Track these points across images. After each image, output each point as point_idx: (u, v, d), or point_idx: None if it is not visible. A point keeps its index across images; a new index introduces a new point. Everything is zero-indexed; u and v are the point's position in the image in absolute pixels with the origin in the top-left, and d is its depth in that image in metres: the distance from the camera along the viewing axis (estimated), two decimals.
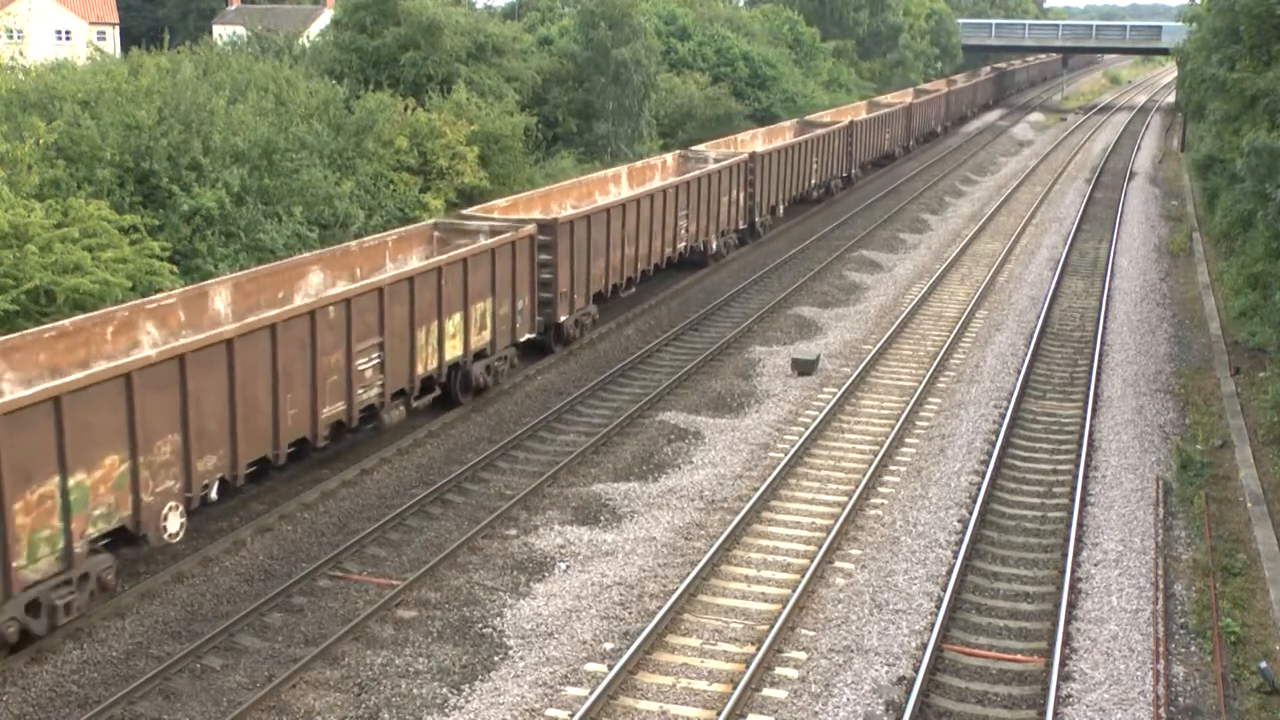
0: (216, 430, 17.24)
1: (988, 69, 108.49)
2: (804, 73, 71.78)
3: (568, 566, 17.89)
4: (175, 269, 24.03)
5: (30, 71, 31.62)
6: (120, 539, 16.07)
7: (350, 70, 39.98)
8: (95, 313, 18.23)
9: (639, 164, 37.90)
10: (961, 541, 18.47)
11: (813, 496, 20.37)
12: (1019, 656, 15.63)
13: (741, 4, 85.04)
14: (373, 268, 23.71)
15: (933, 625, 15.98)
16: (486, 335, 24.15)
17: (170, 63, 32.49)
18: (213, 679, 14.80)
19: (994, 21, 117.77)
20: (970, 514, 19.43)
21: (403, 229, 26.20)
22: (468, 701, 14.42)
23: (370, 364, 20.54)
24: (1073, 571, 17.67)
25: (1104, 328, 31.49)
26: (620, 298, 31.14)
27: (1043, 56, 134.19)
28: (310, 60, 41.74)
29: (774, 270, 37.42)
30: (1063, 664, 15.29)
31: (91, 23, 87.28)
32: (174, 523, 16.62)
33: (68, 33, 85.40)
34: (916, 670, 14.95)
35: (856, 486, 20.49)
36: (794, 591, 16.71)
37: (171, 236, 25.37)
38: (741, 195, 38.94)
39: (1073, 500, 20.05)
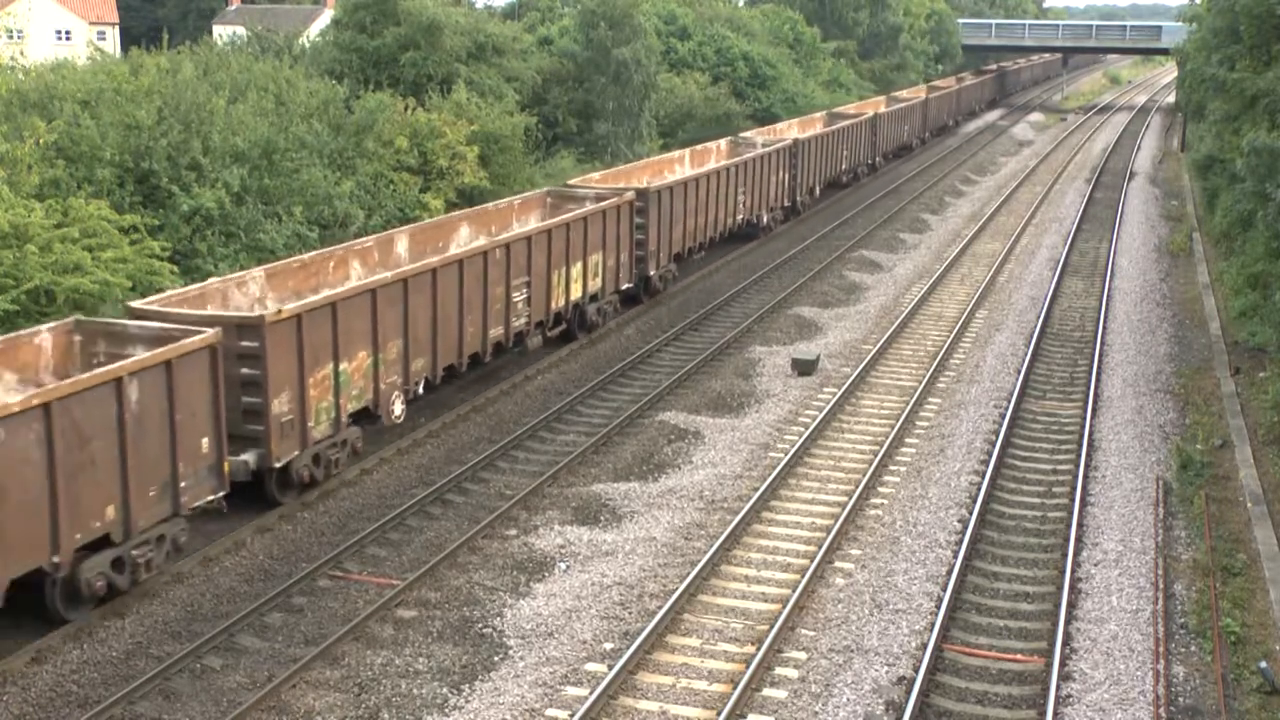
0: (424, 340, 22.27)
1: (995, 67, 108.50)
2: (804, 72, 71.78)
3: (568, 566, 17.89)
4: (175, 269, 24.02)
5: (30, 71, 31.60)
6: (364, 417, 20.99)
7: (350, 70, 39.96)
8: (320, 250, 23.62)
9: (698, 148, 42.42)
10: (961, 541, 18.47)
11: (813, 496, 20.37)
12: (1019, 656, 15.63)
13: (741, 4, 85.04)
14: (503, 226, 28.47)
15: (933, 625, 15.98)
16: (598, 282, 28.94)
17: (170, 63, 32.46)
18: (213, 679, 14.80)
19: (994, 21, 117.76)
20: (970, 514, 19.43)
21: (523, 195, 31.08)
22: (468, 701, 14.42)
23: (522, 297, 25.61)
24: (1073, 571, 17.67)
25: (1104, 328, 31.49)
26: (693, 259, 36.15)
27: (1042, 56, 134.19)
28: (310, 60, 41.72)
29: (816, 242, 42.15)
30: (1063, 664, 15.29)
31: (91, 23, 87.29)
32: (398, 408, 21.83)
33: (68, 33, 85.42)
34: (916, 670, 14.95)
35: (856, 486, 20.49)
36: (794, 591, 16.71)
37: (171, 236, 25.37)
38: (786, 176, 43.96)
39: (1073, 500, 20.05)
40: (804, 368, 27.08)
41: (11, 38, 68.14)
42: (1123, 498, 20.57)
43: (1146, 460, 22.24)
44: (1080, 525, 19.32)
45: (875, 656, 15.43)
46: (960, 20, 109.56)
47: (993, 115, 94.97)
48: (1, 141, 24.48)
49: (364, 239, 24.66)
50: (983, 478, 20.88)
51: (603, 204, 29.08)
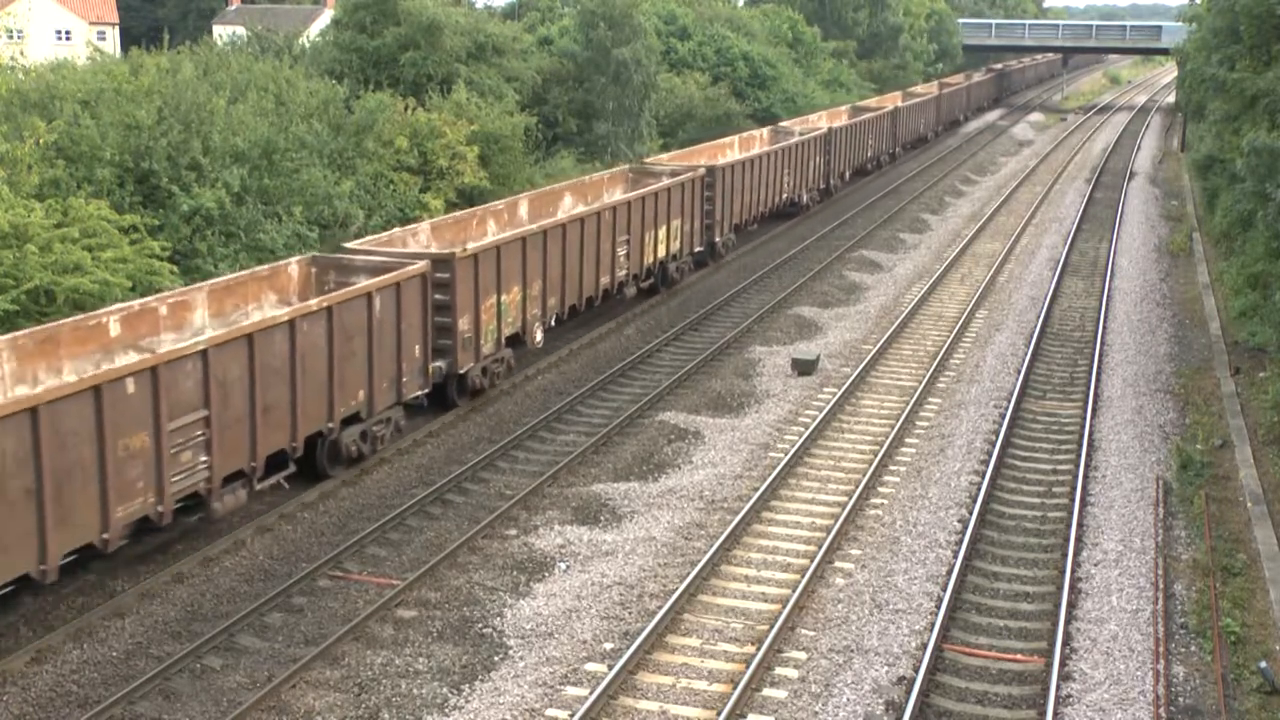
0: (556, 282, 26.97)
1: (995, 67, 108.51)
2: (804, 72, 71.78)
3: (568, 566, 17.89)
4: (175, 269, 24.01)
5: (30, 71, 31.58)
6: (515, 341, 25.79)
7: (350, 70, 39.95)
8: (465, 210, 28.82)
9: (745, 135, 47.86)
10: (961, 541, 18.47)
11: (813, 496, 20.37)
12: (1019, 656, 15.63)
13: (741, 4, 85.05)
14: (595, 196, 32.99)
15: (933, 625, 15.98)
16: (677, 244, 33.74)
17: (170, 63, 32.44)
18: (213, 679, 14.80)
19: (994, 21, 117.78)
20: (970, 514, 19.43)
21: (607, 171, 36.10)
22: (468, 701, 14.42)
23: (624, 253, 30.33)
24: (1073, 571, 17.67)
25: (1104, 328, 31.49)
26: (747, 230, 41.41)
27: (1042, 56, 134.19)
28: (310, 60, 41.71)
29: (851, 219, 46.65)
30: (1063, 664, 15.29)
31: (91, 23, 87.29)
32: (539, 335, 26.61)
33: (68, 33, 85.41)
34: (916, 670, 14.95)
35: (856, 486, 20.49)
36: (794, 591, 16.71)
37: (171, 236, 25.35)
38: (821, 161, 48.97)
39: (1073, 500, 20.05)
40: (804, 367, 27.08)
41: (11, 38, 68.13)
42: (1123, 498, 20.57)
43: (1146, 460, 22.24)
44: (1080, 525, 19.33)
45: (875, 656, 15.43)
46: (960, 20, 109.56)
47: (993, 115, 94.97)
48: (1, 141, 24.47)
49: (495, 203, 29.76)
50: (983, 478, 20.88)
51: (679, 178, 33.76)
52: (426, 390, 22.62)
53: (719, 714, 13.98)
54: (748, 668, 14.83)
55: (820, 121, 55.10)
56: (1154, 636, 16.03)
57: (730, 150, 44.13)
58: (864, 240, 42.67)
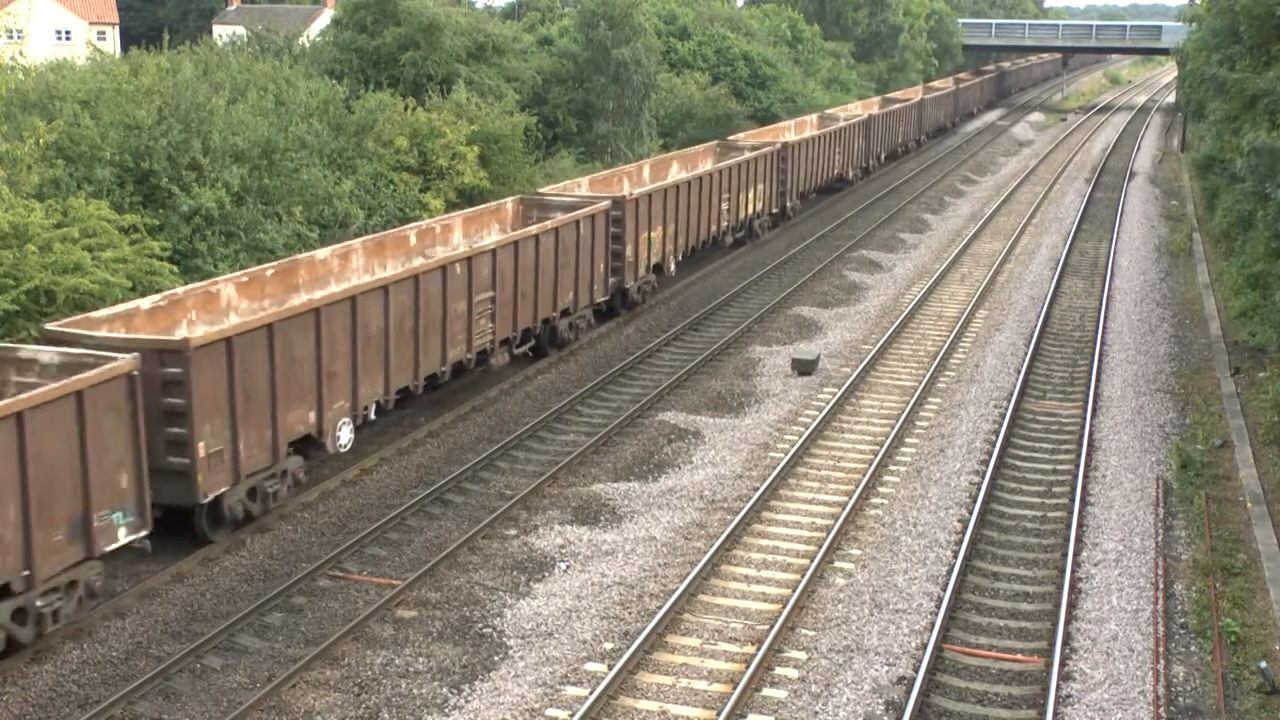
0: (684, 225, 34.11)
1: (995, 68, 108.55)
2: (804, 72, 71.77)
3: (568, 566, 17.89)
4: (175, 269, 23.99)
5: (30, 71, 31.56)
6: (657, 270, 32.87)
7: (350, 70, 39.93)
8: (611, 170, 36.60)
9: (798, 120, 54.96)
10: (961, 541, 18.47)
11: (813, 496, 20.37)
12: (1019, 656, 15.63)
13: (740, 4, 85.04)
14: (694, 166, 40.05)
15: (933, 625, 15.99)
16: (760, 204, 41.45)
17: (170, 63, 32.42)
18: (213, 679, 14.80)
19: (994, 21, 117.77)
20: (970, 514, 19.43)
21: (699, 146, 43.31)
22: (468, 701, 14.42)
23: (726, 208, 37.86)
24: (1073, 571, 17.67)
25: (1104, 328, 31.49)
26: (809, 199, 49.40)
27: (1043, 56, 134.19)
28: (310, 60, 41.68)
29: (891, 193, 52.78)
30: (1063, 664, 15.30)
31: (91, 23, 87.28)
32: (672, 266, 33.86)
33: (68, 33, 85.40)
34: (917, 670, 14.95)
35: (856, 486, 20.49)
36: (794, 591, 16.71)
37: (171, 236, 25.33)
38: (864, 143, 56.64)
39: (1073, 500, 20.05)
40: (804, 367, 27.08)
41: (11, 38, 68.12)
42: (1123, 498, 20.57)
43: (1146, 460, 22.24)
44: (1080, 525, 19.33)
45: (875, 656, 15.43)
46: (960, 20, 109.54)
47: (992, 115, 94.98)
48: (1, 141, 24.45)
49: (627, 165, 37.97)
50: (983, 478, 20.88)
51: (760, 151, 41.23)
52: (606, 299, 29.97)
53: (719, 714, 13.99)
54: (748, 668, 14.83)
55: (857, 110, 62.86)
56: (1154, 636, 16.04)
57: (788, 132, 50.46)
58: (864, 240, 42.68)
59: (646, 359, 28.14)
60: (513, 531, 19.07)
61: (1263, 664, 15.19)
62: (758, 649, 15.31)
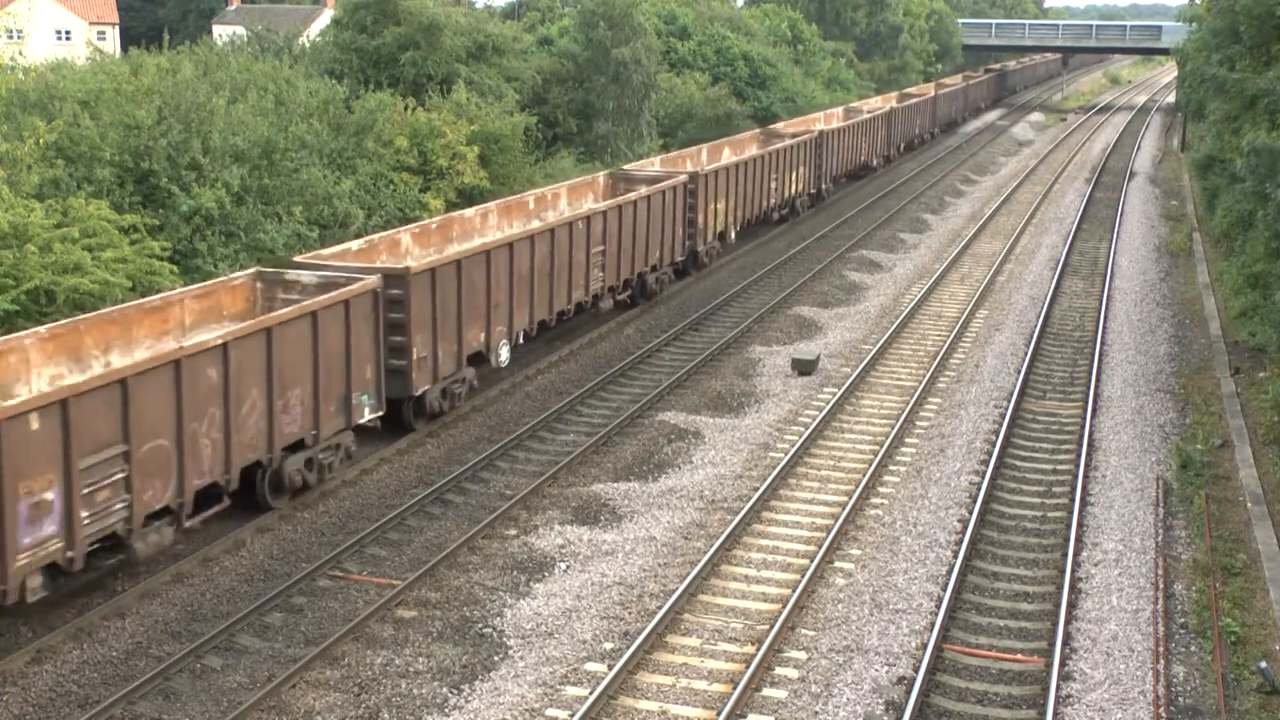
0: (745, 199, 38.73)
1: (995, 67, 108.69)
2: (804, 72, 71.79)
3: (568, 566, 17.89)
4: (175, 269, 24.00)
5: (30, 71, 31.57)
6: (721, 237, 37.60)
7: (350, 70, 39.95)
8: (679, 151, 41.40)
9: (827, 112, 59.69)
10: (961, 541, 18.47)
11: (813, 496, 20.37)
12: (1019, 656, 15.63)
13: (740, 4, 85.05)
14: (742, 151, 44.09)
15: (933, 625, 15.98)
16: (801, 185, 45.60)
17: (170, 63, 32.44)
18: (213, 679, 14.80)
19: (994, 21, 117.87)
20: (970, 514, 19.43)
21: (745, 133, 48.03)
22: (468, 701, 14.42)
23: (774, 187, 42.05)
24: (1073, 571, 17.67)
25: (1104, 328, 31.49)
26: (839, 184, 53.75)
27: (1043, 56, 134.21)
28: (310, 60, 41.70)
29: (891, 193, 53.90)
30: (1063, 664, 15.29)
31: (91, 23, 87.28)
32: (733, 235, 38.26)
33: (68, 33, 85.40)
34: (916, 670, 14.95)
35: (856, 486, 20.49)
36: (794, 591, 16.71)
37: (171, 236, 25.34)
38: (886, 134, 61.27)
39: (1073, 500, 20.05)
40: (804, 367, 27.08)
41: (11, 38, 68.10)
42: (1123, 498, 20.57)
43: (1146, 460, 22.24)
44: (1080, 525, 19.33)
45: (875, 656, 15.43)
46: (960, 20, 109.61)
47: (992, 115, 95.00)
48: (1, 141, 24.46)
49: (699, 145, 43.38)
50: (983, 478, 20.88)
51: (800, 138, 45.46)
52: (683, 259, 34.47)
53: (719, 714, 13.99)
54: (748, 668, 14.83)
55: (877, 103, 68.44)
56: (1154, 636, 16.04)
57: (819, 123, 54.90)
58: (864, 240, 42.69)
59: (645, 359, 28.15)
60: (513, 531, 19.07)
61: (1263, 664, 15.19)
62: (758, 649, 15.31)
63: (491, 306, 24.29)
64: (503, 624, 16.20)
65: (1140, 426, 24.05)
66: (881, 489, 20.79)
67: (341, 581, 17.32)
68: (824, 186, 48.84)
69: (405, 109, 36.26)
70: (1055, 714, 14.24)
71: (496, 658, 15.41)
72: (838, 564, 17.97)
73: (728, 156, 42.50)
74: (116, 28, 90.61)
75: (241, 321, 19.85)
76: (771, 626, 15.78)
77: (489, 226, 28.34)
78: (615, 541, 18.66)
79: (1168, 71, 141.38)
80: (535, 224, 28.39)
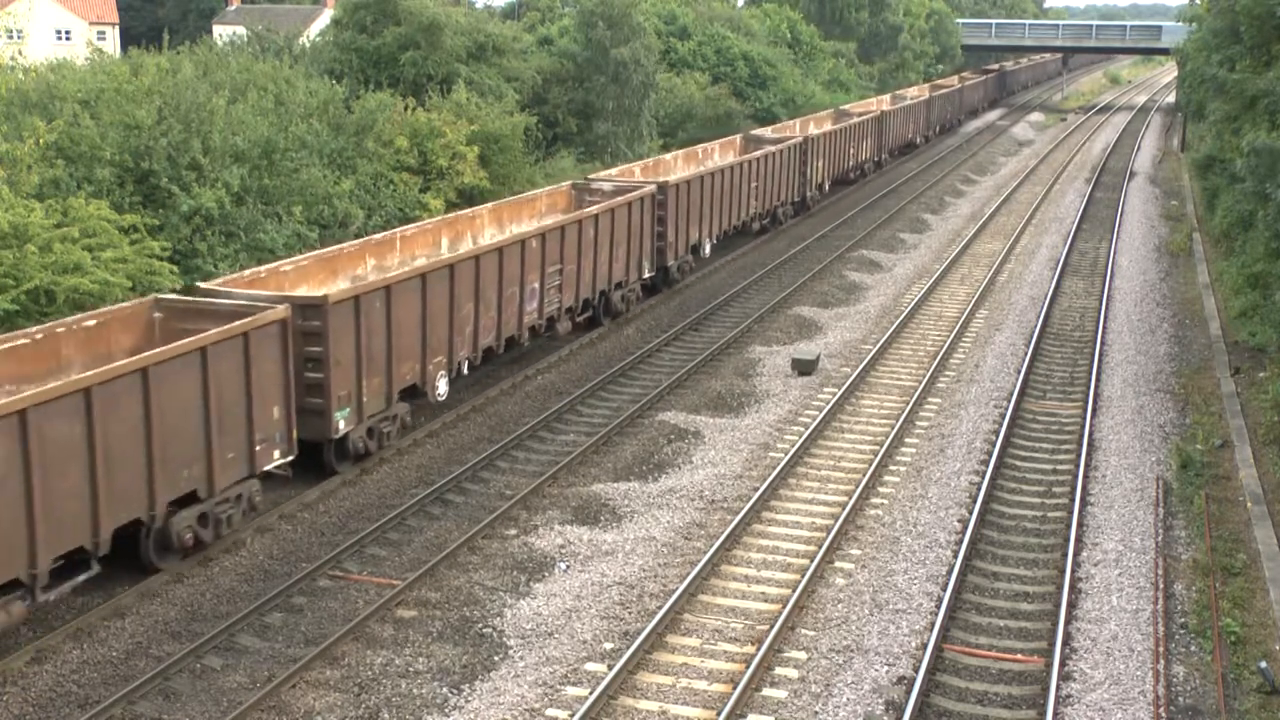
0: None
1: (995, 67, 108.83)
2: (804, 73, 71.78)
3: (568, 566, 17.89)
4: (175, 269, 24.00)
5: (30, 71, 31.56)
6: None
7: (350, 70, 39.94)
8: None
9: (872, 100, 68.63)
10: (961, 541, 18.47)
11: (813, 496, 20.37)
12: (1019, 656, 15.63)
13: (740, 4, 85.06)
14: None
15: (933, 625, 15.98)
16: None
17: (170, 63, 32.42)
18: (213, 679, 14.80)
19: (994, 21, 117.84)
20: (970, 514, 19.43)
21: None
22: (468, 701, 14.42)
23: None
24: (1073, 571, 17.67)
25: (1104, 327, 31.49)
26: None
27: (1042, 56, 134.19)
28: (310, 60, 41.70)
29: (891, 193, 54.16)
30: (1063, 664, 15.30)
31: (91, 23, 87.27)
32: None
33: (68, 33, 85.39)
34: (917, 670, 14.95)
35: (856, 486, 20.49)
36: (794, 591, 16.71)
37: (171, 236, 25.33)
38: (926, 119, 71.13)
39: (1073, 500, 20.05)
40: (804, 367, 27.08)
41: (11, 38, 68.11)
42: (1123, 498, 20.57)
43: (1146, 460, 22.24)
44: (1080, 525, 19.33)
45: (875, 656, 15.43)
46: (960, 20, 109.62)
47: (993, 115, 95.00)
48: (1, 141, 24.46)
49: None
50: (983, 478, 20.88)
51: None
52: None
53: (719, 714, 13.99)
54: (748, 668, 14.83)
55: (911, 93, 73.97)
56: (1154, 636, 16.04)
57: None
58: (864, 240, 42.68)
59: (646, 359, 28.14)
60: (513, 531, 19.07)
61: (1263, 664, 15.19)
62: (758, 649, 15.31)
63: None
64: (503, 624, 16.20)
65: (1140, 426, 24.05)
66: (881, 489, 20.79)
67: (341, 581, 17.32)
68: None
69: (405, 109, 36.25)
70: (1055, 714, 14.24)
71: (496, 658, 15.41)
72: (838, 564, 17.97)
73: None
74: (116, 28, 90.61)
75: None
76: (771, 626, 15.78)
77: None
78: (615, 541, 18.66)
79: (1168, 71, 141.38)
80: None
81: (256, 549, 18.22)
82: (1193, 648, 15.96)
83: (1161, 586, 17.42)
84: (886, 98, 71.34)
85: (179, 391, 16.58)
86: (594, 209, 28.81)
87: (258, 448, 18.19)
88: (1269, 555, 18.34)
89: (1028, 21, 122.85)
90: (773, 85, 64.25)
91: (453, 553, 17.99)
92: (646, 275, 32.22)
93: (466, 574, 17.59)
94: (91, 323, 17.91)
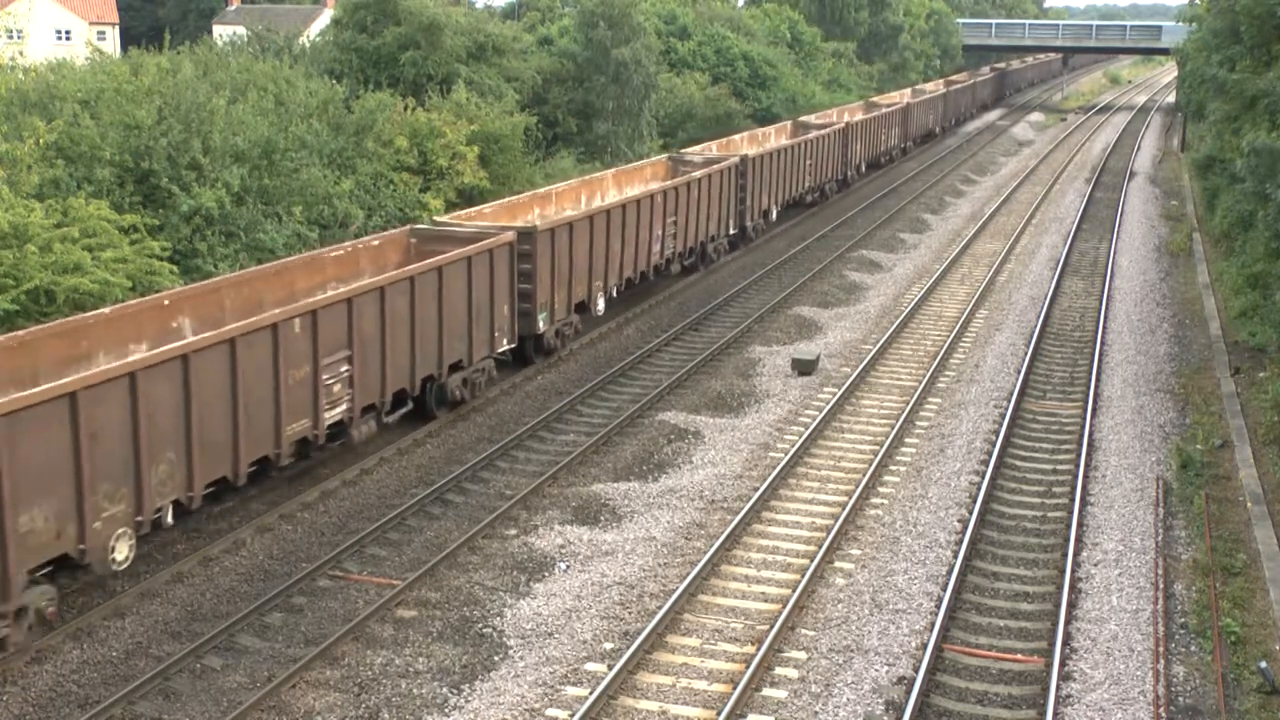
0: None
1: (996, 67, 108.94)
2: (804, 73, 71.78)
3: (568, 566, 17.89)
4: (175, 269, 24.00)
5: (30, 71, 31.56)
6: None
7: (350, 70, 39.94)
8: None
9: (894, 93, 71.75)
10: (961, 541, 18.47)
11: (813, 496, 20.37)
12: (1019, 656, 15.63)
13: (741, 4, 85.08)
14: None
15: (933, 625, 15.98)
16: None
17: (170, 63, 32.42)
18: (213, 679, 14.80)
19: (994, 21, 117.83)
20: (970, 514, 19.43)
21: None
22: (468, 701, 14.42)
23: (888, 136, 56.64)
24: (1073, 571, 17.67)
25: (1104, 327, 31.49)
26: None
27: (1042, 56, 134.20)
28: (310, 60, 41.70)
29: (891, 193, 54.40)
30: (1063, 664, 15.30)
31: (91, 23, 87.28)
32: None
33: (68, 33, 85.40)
34: (916, 670, 14.95)
35: (856, 486, 20.49)
36: (794, 591, 16.71)
37: (171, 236, 25.33)
38: (944, 110, 74.72)
39: (1073, 500, 20.05)
40: (804, 367, 27.08)
41: (11, 38, 68.11)
42: (1123, 498, 20.57)
43: (1146, 460, 22.24)
44: (1080, 525, 19.33)
45: (875, 656, 15.43)
46: (960, 20, 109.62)
47: (993, 115, 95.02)
48: (1, 141, 24.46)
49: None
50: (983, 477, 20.88)
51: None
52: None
53: (719, 714, 13.99)
54: (748, 668, 14.83)
55: (933, 87, 79.25)
56: (1154, 636, 16.04)
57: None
58: (864, 240, 42.68)
59: (646, 359, 28.15)
60: (513, 531, 19.07)
61: (1263, 664, 15.19)
62: (758, 649, 15.31)
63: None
64: (503, 624, 16.20)
65: (1140, 426, 24.05)
66: (881, 489, 20.79)
67: (341, 581, 17.32)
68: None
69: (405, 109, 36.25)
70: (1055, 714, 14.24)
71: (496, 658, 15.41)
72: (838, 564, 17.97)
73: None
74: (116, 28, 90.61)
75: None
76: (771, 626, 15.78)
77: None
78: (615, 541, 18.66)
79: (1168, 71, 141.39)
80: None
81: (256, 549, 18.22)
82: (1193, 648, 15.96)
83: (1161, 586, 17.42)
84: (907, 92, 75.20)
85: (454, 289, 22.81)
86: (696, 174, 34.99)
87: (496, 334, 24.58)
88: (1269, 555, 18.34)
89: (1028, 21, 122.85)
90: (773, 85, 64.25)
91: (453, 553, 17.99)
92: (731, 231, 38.28)
93: (466, 574, 17.59)
94: (376, 242, 24.49)
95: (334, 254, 23.23)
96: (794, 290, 34.82)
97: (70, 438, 14.91)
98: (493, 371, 24.86)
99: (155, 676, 14.54)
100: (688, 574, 17.23)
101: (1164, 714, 14.40)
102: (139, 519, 16.06)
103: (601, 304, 29.39)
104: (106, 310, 18.44)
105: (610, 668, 14.91)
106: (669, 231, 32.97)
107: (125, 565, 16.05)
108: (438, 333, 22.42)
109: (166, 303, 19.25)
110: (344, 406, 20.05)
